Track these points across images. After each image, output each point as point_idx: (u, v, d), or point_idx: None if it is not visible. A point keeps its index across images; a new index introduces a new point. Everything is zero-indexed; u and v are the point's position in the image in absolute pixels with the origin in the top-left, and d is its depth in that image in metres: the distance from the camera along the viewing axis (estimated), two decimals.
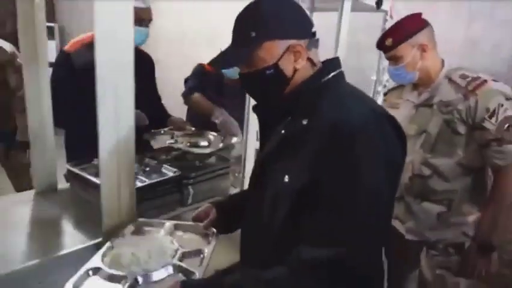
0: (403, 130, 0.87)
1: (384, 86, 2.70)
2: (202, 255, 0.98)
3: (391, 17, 2.51)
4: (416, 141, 1.50)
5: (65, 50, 1.74)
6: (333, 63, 0.91)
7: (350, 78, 0.94)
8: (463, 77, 1.43)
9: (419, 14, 1.50)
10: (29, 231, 1.21)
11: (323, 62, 0.92)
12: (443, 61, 1.53)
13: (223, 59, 0.91)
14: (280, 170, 0.85)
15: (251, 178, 0.99)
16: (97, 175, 1.27)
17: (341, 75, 0.92)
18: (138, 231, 1.10)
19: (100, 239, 1.10)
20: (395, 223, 1.60)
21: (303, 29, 0.87)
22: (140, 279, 0.85)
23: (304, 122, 0.84)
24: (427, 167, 1.49)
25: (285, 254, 0.79)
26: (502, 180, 1.40)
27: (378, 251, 0.81)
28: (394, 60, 1.51)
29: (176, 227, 1.12)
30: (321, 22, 1.44)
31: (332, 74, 0.88)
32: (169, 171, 1.47)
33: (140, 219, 1.15)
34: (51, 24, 5.57)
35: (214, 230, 1.07)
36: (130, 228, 1.10)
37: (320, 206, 0.77)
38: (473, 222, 1.48)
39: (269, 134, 0.94)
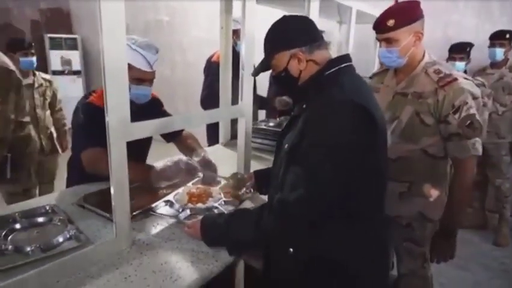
0: (376, 116, 1.01)
1: None
2: (236, 204, 1.42)
3: None
4: (388, 127, 1.48)
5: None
6: (338, 59, 1.11)
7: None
8: (437, 72, 1.49)
9: (419, 2, 1.50)
10: None
11: (329, 60, 1.11)
12: (424, 53, 1.56)
13: (255, 68, 1.24)
14: (285, 142, 1.13)
15: (274, 153, 1.25)
16: None
17: (345, 69, 1.10)
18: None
19: None
20: None
21: (304, 38, 1.10)
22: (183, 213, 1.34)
23: (304, 106, 1.12)
24: (393, 152, 1.53)
25: None
26: (460, 172, 1.50)
27: (333, 199, 1.00)
28: (388, 42, 1.51)
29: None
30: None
31: (334, 68, 1.08)
32: None
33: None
34: (75, 36, 6.01)
35: (252, 190, 1.47)
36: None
37: (296, 162, 1.04)
38: (432, 203, 1.58)
39: None
